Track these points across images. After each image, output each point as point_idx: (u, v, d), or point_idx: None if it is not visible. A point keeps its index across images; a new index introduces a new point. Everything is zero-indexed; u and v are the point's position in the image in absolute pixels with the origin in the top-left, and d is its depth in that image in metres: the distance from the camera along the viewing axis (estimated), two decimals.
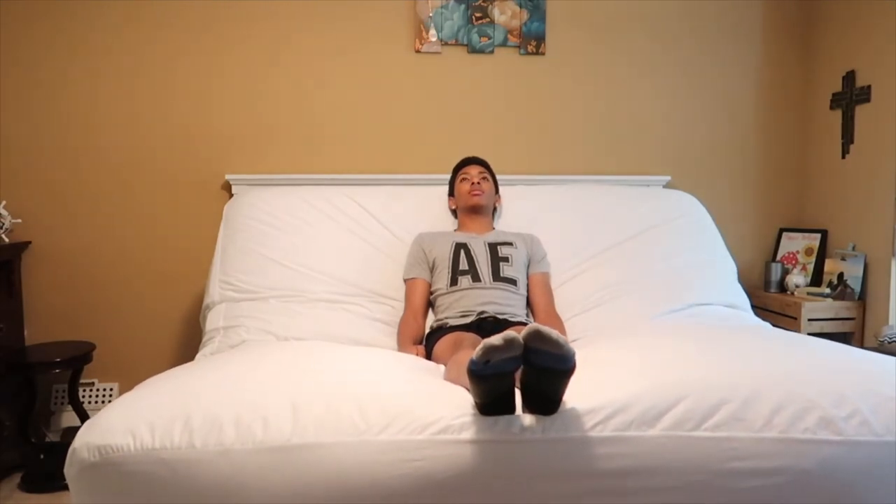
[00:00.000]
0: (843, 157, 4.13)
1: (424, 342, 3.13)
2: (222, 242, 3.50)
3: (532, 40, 4.15)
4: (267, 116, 4.01)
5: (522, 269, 3.32)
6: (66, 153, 3.85)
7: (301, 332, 3.01)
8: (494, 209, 3.63)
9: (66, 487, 3.26)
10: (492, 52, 4.14)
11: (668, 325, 3.15)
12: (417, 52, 4.08)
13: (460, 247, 3.31)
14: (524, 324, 3.05)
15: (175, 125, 3.93)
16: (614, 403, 1.78)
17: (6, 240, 3.63)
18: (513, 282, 3.22)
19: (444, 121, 4.15)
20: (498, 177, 3.68)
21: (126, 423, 1.75)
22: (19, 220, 3.73)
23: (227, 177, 3.91)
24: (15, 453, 3.49)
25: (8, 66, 3.76)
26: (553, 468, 1.72)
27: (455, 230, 3.54)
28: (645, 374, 1.91)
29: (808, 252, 4.27)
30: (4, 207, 3.64)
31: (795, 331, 3.83)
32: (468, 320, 3.06)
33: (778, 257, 4.39)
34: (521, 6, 4.11)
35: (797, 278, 4.17)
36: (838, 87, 4.17)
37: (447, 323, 3.09)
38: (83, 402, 3.78)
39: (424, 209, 3.67)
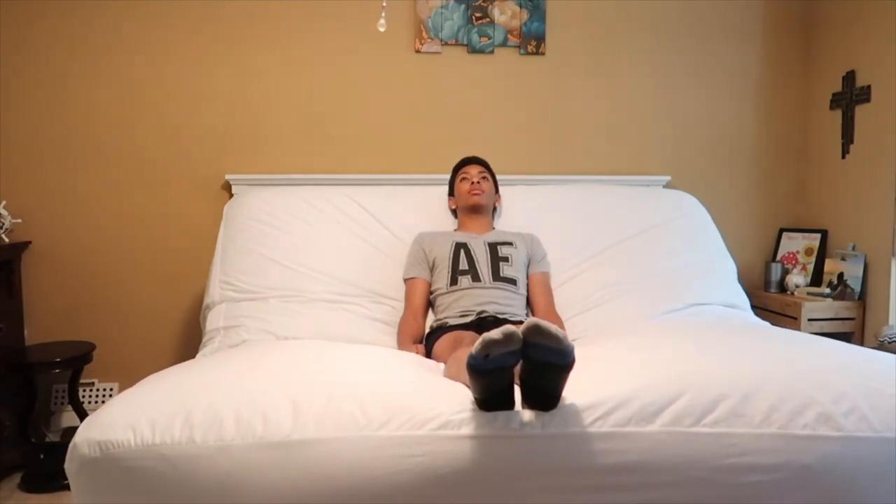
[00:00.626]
0: (843, 157, 4.14)
1: (424, 342, 3.14)
2: (222, 242, 3.51)
3: (532, 40, 4.16)
4: (267, 116, 4.02)
5: (522, 269, 3.32)
6: (66, 153, 3.86)
7: (301, 332, 3.01)
8: (494, 209, 3.64)
9: (66, 487, 3.27)
10: (492, 52, 4.15)
11: (667, 325, 3.17)
12: (417, 52, 4.09)
13: (460, 246, 3.32)
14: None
15: (175, 125, 3.94)
16: (613, 399, 1.78)
17: (6, 240, 3.64)
18: (513, 281, 3.23)
19: (445, 121, 4.16)
20: (498, 177, 3.68)
21: (127, 418, 1.76)
22: (19, 220, 3.74)
23: (227, 177, 3.91)
24: (15, 453, 3.49)
25: (8, 66, 3.77)
26: (552, 464, 1.73)
27: (455, 230, 3.55)
28: (644, 370, 1.92)
29: (808, 252, 4.28)
30: (4, 207, 3.65)
31: (795, 331, 3.84)
32: (468, 320, 3.07)
33: (778, 257, 4.40)
34: (521, 6, 4.12)
35: (797, 278, 4.18)
36: (838, 87, 4.18)
37: (447, 322, 3.10)
38: (83, 402, 3.79)
39: (424, 209, 3.68)
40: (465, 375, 1.78)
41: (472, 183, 3.47)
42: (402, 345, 3.05)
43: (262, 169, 4.01)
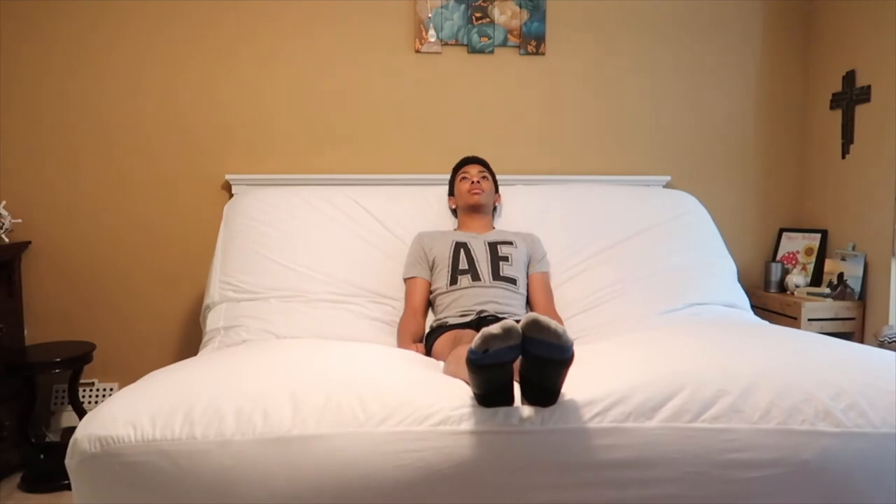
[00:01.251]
0: (843, 157, 4.15)
1: (424, 341, 3.15)
2: (222, 242, 3.51)
3: (532, 40, 4.17)
4: (267, 116, 4.03)
5: (522, 269, 3.33)
6: (66, 154, 3.87)
7: (301, 332, 3.01)
8: (494, 208, 3.65)
9: (66, 487, 3.28)
10: (492, 52, 4.16)
11: (666, 323, 3.17)
12: (417, 52, 4.10)
13: (460, 246, 3.33)
14: None
15: (175, 125, 3.96)
16: (613, 395, 1.79)
17: (6, 240, 3.65)
18: (512, 281, 3.24)
19: (445, 121, 4.17)
20: (498, 177, 3.70)
21: (127, 414, 1.77)
22: (19, 220, 3.75)
23: (227, 177, 3.92)
24: (15, 453, 3.50)
25: (8, 65, 3.78)
26: (552, 459, 1.73)
27: (455, 229, 3.57)
28: (643, 366, 1.92)
29: (808, 252, 4.28)
30: (4, 207, 3.66)
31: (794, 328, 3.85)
32: (468, 319, 3.08)
33: (778, 257, 4.40)
34: (521, 6, 4.14)
35: (797, 278, 4.19)
36: (838, 87, 4.19)
37: (447, 322, 3.12)
38: (83, 402, 3.80)
39: (424, 209, 3.69)
40: (465, 372, 1.79)
41: (472, 182, 3.48)
42: (401, 344, 3.06)
43: (262, 169, 4.02)
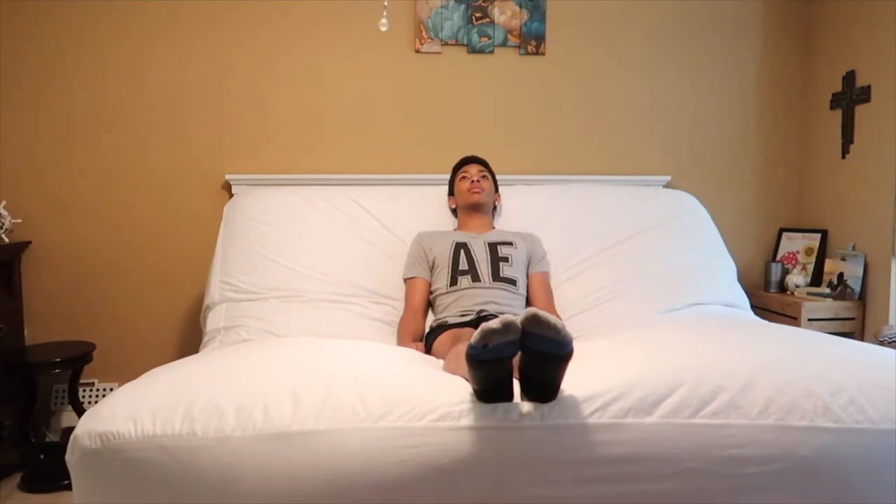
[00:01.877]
0: (843, 157, 4.16)
1: (424, 341, 3.15)
2: (222, 242, 3.52)
3: (532, 40, 4.18)
4: (267, 116, 4.04)
5: (522, 269, 3.34)
6: (66, 153, 3.88)
7: (301, 332, 3.02)
8: (494, 208, 3.66)
9: (65, 487, 3.28)
10: (492, 52, 4.17)
11: (665, 321, 3.18)
12: (417, 52, 4.11)
13: (460, 247, 3.34)
14: None
15: (175, 125, 3.97)
16: (612, 391, 1.79)
17: (6, 240, 3.66)
18: (512, 282, 3.25)
19: (444, 121, 4.18)
20: (498, 177, 3.71)
21: (128, 410, 1.78)
22: (19, 220, 3.76)
23: (227, 177, 3.94)
24: (15, 453, 3.51)
25: (9, 66, 3.79)
26: (551, 455, 1.74)
27: (455, 229, 3.58)
28: (642, 363, 1.93)
29: (808, 252, 4.29)
30: (4, 207, 3.67)
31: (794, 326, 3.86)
32: (468, 319, 3.09)
33: (778, 257, 4.41)
34: (521, 6, 4.15)
35: (797, 278, 4.20)
36: (838, 87, 4.20)
37: (447, 321, 3.13)
38: (83, 402, 3.80)
39: (424, 209, 3.71)
40: (464, 369, 1.79)
41: (472, 181, 3.49)
42: (401, 343, 3.06)
43: (262, 169, 4.03)
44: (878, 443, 1.82)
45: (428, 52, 4.13)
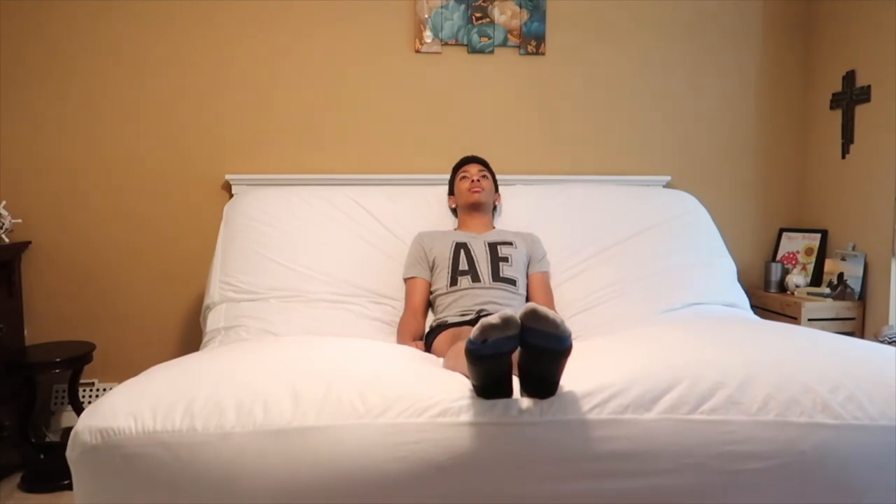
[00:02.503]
0: (843, 157, 4.16)
1: (423, 340, 3.16)
2: (222, 242, 3.53)
3: (532, 40, 4.19)
4: (267, 116, 4.05)
5: (522, 269, 3.35)
6: (66, 153, 3.89)
7: (301, 332, 3.03)
8: (494, 207, 3.67)
9: (65, 487, 3.29)
10: (492, 52, 4.18)
11: (665, 321, 3.19)
12: (417, 52, 4.12)
13: (460, 247, 3.35)
14: None
15: (175, 125, 3.98)
16: (611, 387, 1.80)
17: (6, 240, 3.67)
18: (512, 282, 3.26)
19: (444, 121, 4.19)
20: (498, 177, 3.73)
21: (128, 406, 1.78)
22: (19, 220, 3.77)
23: (227, 177, 3.94)
24: (15, 453, 3.51)
25: (9, 66, 3.80)
26: (551, 451, 1.74)
27: (455, 229, 3.59)
28: (642, 359, 1.94)
29: (808, 252, 4.30)
30: (4, 207, 3.67)
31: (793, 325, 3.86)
32: (467, 319, 3.09)
33: (778, 257, 4.42)
34: (521, 6, 4.16)
35: (797, 278, 4.20)
36: (838, 87, 4.21)
37: (447, 321, 3.14)
38: (83, 403, 3.81)
39: (424, 209, 3.72)
40: (464, 366, 1.80)
41: (472, 181, 3.50)
42: (401, 343, 3.07)
43: (262, 169, 4.04)
44: (876, 439, 1.83)
45: (428, 52, 4.14)
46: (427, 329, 3.27)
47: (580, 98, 4.30)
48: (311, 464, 1.70)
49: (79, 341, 3.72)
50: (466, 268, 3.28)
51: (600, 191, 3.95)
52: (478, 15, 4.14)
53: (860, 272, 3.98)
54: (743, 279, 4.06)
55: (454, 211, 3.68)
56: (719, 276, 3.69)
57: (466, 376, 1.87)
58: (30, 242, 3.84)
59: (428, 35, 4.11)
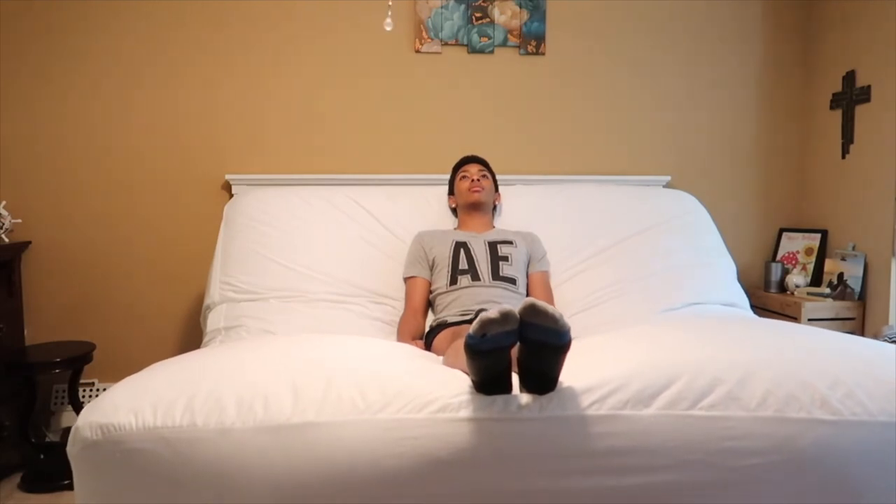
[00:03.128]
0: (843, 157, 4.17)
1: (424, 339, 3.17)
2: (222, 243, 3.55)
3: (532, 40, 4.20)
4: (267, 116, 4.06)
5: (522, 269, 3.36)
6: (65, 153, 3.90)
7: (301, 332, 3.03)
8: (494, 207, 3.68)
9: (66, 487, 3.30)
10: (492, 52, 4.19)
11: (664, 319, 3.20)
12: (417, 52, 4.14)
13: (460, 246, 3.37)
14: None
15: (175, 125, 3.99)
16: (611, 382, 1.80)
17: (6, 240, 3.68)
18: (512, 281, 3.27)
19: (444, 121, 4.21)
20: (498, 176, 3.74)
21: (129, 402, 1.79)
22: (19, 220, 3.78)
23: (227, 177, 3.96)
24: (15, 453, 3.52)
25: (10, 66, 3.81)
26: (550, 446, 1.75)
27: (455, 228, 3.60)
28: (641, 356, 1.94)
29: (808, 252, 4.31)
30: (4, 207, 3.69)
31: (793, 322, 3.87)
32: (467, 318, 3.10)
33: (778, 257, 4.43)
34: (521, 6, 4.17)
35: (797, 278, 4.21)
36: (838, 87, 4.22)
37: (446, 321, 3.14)
38: (83, 402, 3.81)
39: (424, 209, 3.73)
40: (464, 362, 1.80)
41: (472, 181, 3.52)
42: (401, 342, 3.07)
43: (262, 169, 4.06)
44: (875, 435, 1.83)
45: (428, 52, 4.15)
46: (427, 328, 3.27)
47: (580, 98, 4.31)
48: (310, 460, 1.70)
49: (78, 341, 3.73)
50: (466, 267, 3.29)
51: (600, 191, 3.96)
52: (478, 15, 4.15)
53: (860, 272, 3.99)
54: (743, 279, 4.07)
55: (454, 211, 3.70)
56: (719, 275, 3.71)
57: (466, 373, 1.87)
58: (30, 242, 3.84)
59: (430, 35, 4.12)
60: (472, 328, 1.68)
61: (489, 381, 1.77)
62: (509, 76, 4.24)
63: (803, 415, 1.81)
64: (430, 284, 3.38)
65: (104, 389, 3.88)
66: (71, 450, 1.80)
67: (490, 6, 4.15)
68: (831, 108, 4.28)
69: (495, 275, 3.26)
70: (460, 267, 3.30)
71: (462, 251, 3.35)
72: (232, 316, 3.22)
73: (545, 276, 3.43)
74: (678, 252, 3.71)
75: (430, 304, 3.39)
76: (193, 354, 2.20)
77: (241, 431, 1.73)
